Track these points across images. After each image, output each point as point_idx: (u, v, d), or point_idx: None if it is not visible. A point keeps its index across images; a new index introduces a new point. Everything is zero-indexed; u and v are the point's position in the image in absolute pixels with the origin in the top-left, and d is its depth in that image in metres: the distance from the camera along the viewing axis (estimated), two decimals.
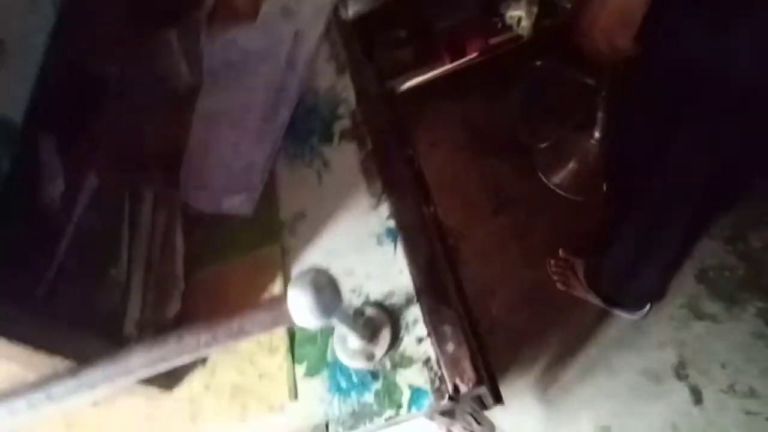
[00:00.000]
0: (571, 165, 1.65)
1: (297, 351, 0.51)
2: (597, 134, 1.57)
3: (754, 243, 1.39)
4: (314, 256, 0.57)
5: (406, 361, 0.47)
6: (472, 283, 1.49)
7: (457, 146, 1.78)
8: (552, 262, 1.42)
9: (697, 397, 1.24)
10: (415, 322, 0.49)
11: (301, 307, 0.36)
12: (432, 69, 1.59)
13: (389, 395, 0.46)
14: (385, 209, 0.57)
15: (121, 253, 0.56)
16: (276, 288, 0.56)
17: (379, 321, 0.49)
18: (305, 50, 0.72)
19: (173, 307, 0.56)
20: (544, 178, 1.65)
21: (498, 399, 0.47)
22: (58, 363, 0.42)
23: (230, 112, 0.69)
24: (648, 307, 1.33)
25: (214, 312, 0.56)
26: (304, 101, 0.71)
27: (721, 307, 1.34)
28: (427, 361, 0.46)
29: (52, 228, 0.53)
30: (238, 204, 0.63)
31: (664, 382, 1.28)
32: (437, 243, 0.53)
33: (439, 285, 0.50)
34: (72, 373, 0.38)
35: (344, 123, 0.67)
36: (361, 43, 0.80)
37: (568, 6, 1.12)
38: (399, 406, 0.45)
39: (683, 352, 1.31)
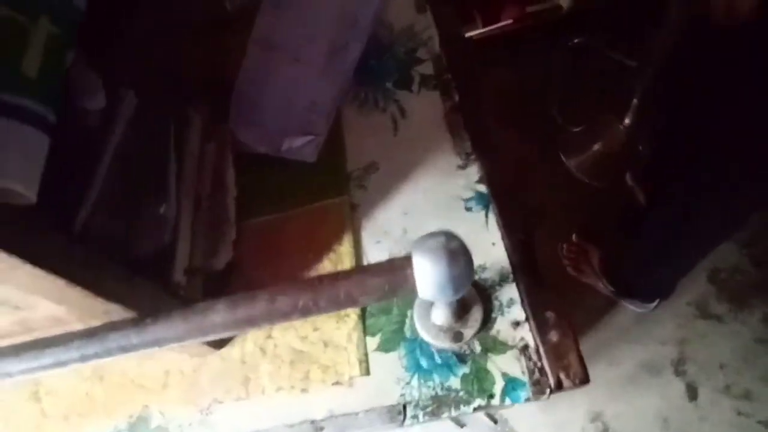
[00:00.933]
0: (596, 149, 1.59)
1: (369, 321, 0.46)
2: (627, 120, 1.51)
3: None
4: (389, 215, 0.51)
5: (499, 346, 0.42)
6: None
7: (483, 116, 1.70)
8: (564, 246, 1.39)
9: (692, 393, 1.26)
10: (511, 303, 0.43)
11: (430, 278, 0.29)
12: (462, 32, 1.49)
13: (479, 382, 0.41)
14: (474, 171, 0.50)
15: (168, 185, 0.48)
16: (344, 247, 0.49)
17: (469, 297, 0.44)
18: None
19: (224, 257, 0.49)
20: (564, 159, 1.59)
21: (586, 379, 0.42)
22: (112, 310, 0.35)
23: (292, 41, 0.60)
24: (657, 302, 1.33)
25: (269, 267, 0.50)
26: (378, 38, 0.62)
27: (728, 309, 1.34)
28: (524, 349, 0.41)
29: (90, 150, 0.45)
30: (299, 148, 0.55)
31: (661, 375, 1.29)
32: (533, 215, 0.46)
33: (537, 264, 0.44)
34: (136, 326, 0.32)
35: (425, 68, 0.59)
36: None
37: None
38: (491, 396, 0.40)
39: (684, 349, 1.32)
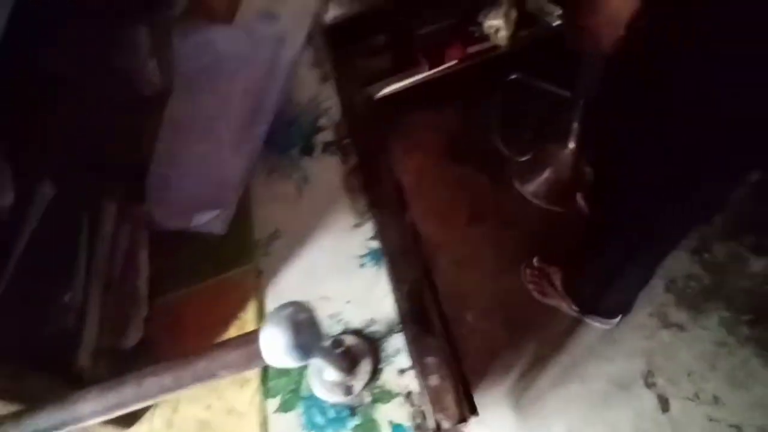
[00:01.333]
0: (547, 175, 1.66)
1: (269, 384, 0.48)
2: (571, 145, 1.59)
3: (719, 254, 1.44)
4: (291, 278, 0.54)
5: (386, 395, 0.44)
6: (448, 290, 1.49)
7: (433, 154, 1.78)
8: (527, 271, 1.43)
9: (664, 404, 1.27)
10: (397, 352, 0.46)
11: (276, 347, 0.33)
12: (410, 76, 1.58)
13: None
14: (369, 229, 0.54)
15: (77, 272, 0.51)
16: (249, 314, 0.52)
17: (359, 351, 0.47)
18: (287, 56, 0.68)
19: (134, 335, 0.52)
20: (519, 188, 1.66)
21: (473, 411, 0.45)
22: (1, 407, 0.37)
23: (203, 120, 0.65)
24: (620, 317, 1.36)
25: (180, 341, 0.52)
26: (284, 111, 0.68)
27: (687, 316, 1.38)
28: (408, 395, 0.44)
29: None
30: (209, 222, 0.59)
31: (632, 390, 1.31)
32: (421, 266, 0.50)
33: (424, 313, 0.47)
34: (15, 419, 0.34)
35: (327, 135, 0.64)
36: (340, 49, 0.77)
37: (550, 19, 1.12)
38: None
39: (652, 360, 1.34)
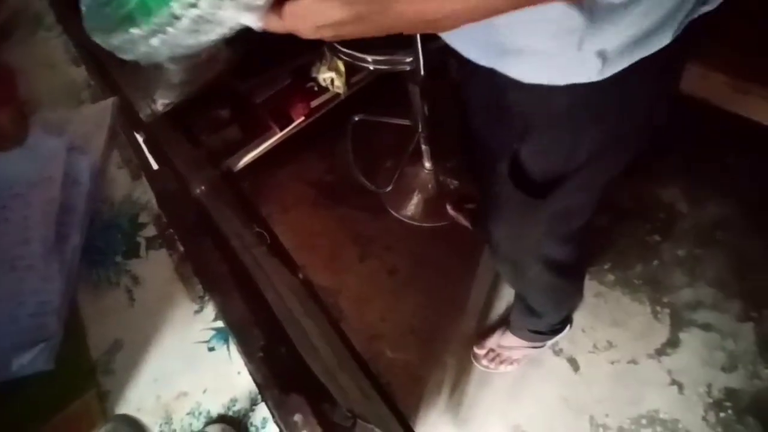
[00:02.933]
0: (416, 196, 1.79)
1: None
2: (427, 164, 1.74)
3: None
4: (140, 389, 0.50)
5: None
6: (359, 332, 1.49)
7: (308, 205, 1.81)
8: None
9: (573, 365, 1.39)
10: (264, 422, 0.45)
11: None
12: (264, 141, 1.63)
13: None
14: (210, 311, 0.53)
15: None
16: None
17: None
18: (87, 163, 0.66)
19: None
20: (396, 214, 1.75)
21: None
22: None
23: (5, 252, 0.59)
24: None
25: None
26: (100, 216, 0.64)
27: None
28: None
29: None
30: (31, 361, 0.52)
31: (545, 362, 1.41)
32: (267, 331, 0.50)
33: (283, 370, 0.47)
34: None
35: (149, 230, 0.62)
36: (182, 131, 0.76)
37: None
38: None
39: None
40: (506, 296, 1.50)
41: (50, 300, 0.56)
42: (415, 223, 1.76)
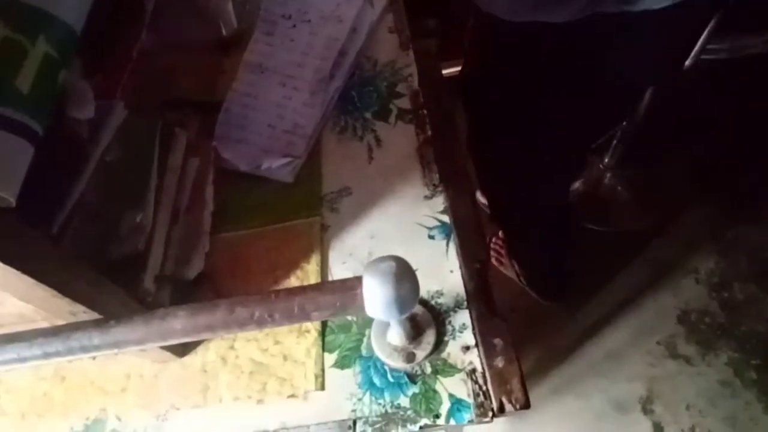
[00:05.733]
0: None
1: (328, 337, 0.48)
2: (607, 160, 1.58)
3: (738, 294, 1.43)
4: (357, 237, 0.53)
5: (448, 369, 0.44)
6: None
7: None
8: (492, 239, 1.44)
9: None
10: (463, 328, 0.46)
11: (378, 298, 0.32)
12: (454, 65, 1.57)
13: (427, 402, 0.43)
14: (439, 202, 0.53)
15: (147, 196, 0.50)
16: (312, 265, 0.52)
17: (424, 321, 0.46)
18: (371, 16, 0.67)
19: (195, 267, 0.51)
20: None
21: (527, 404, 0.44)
22: (79, 311, 0.36)
23: (281, 67, 0.63)
24: (554, 299, 1.38)
25: (239, 280, 0.52)
26: (362, 70, 0.66)
27: (696, 351, 1.38)
28: (472, 373, 0.43)
29: (75, 157, 0.47)
30: (278, 168, 0.58)
31: (629, 413, 1.31)
32: (487, 247, 0.49)
33: (490, 294, 0.47)
34: (99, 327, 0.33)
35: (403, 102, 0.62)
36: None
37: None
38: (437, 416, 0.42)
39: (653, 387, 1.35)
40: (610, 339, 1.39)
41: (305, 125, 0.60)
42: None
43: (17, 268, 0.34)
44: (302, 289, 0.33)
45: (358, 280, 0.33)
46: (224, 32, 0.72)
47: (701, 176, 1.57)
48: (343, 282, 0.33)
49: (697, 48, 1.00)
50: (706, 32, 0.95)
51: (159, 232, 0.50)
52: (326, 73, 0.62)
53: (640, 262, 1.51)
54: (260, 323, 0.33)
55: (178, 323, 0.32)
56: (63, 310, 0.37)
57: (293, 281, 0.51)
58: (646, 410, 1.31)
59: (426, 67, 0.65)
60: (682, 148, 1.57)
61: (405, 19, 0.70)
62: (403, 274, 0.32)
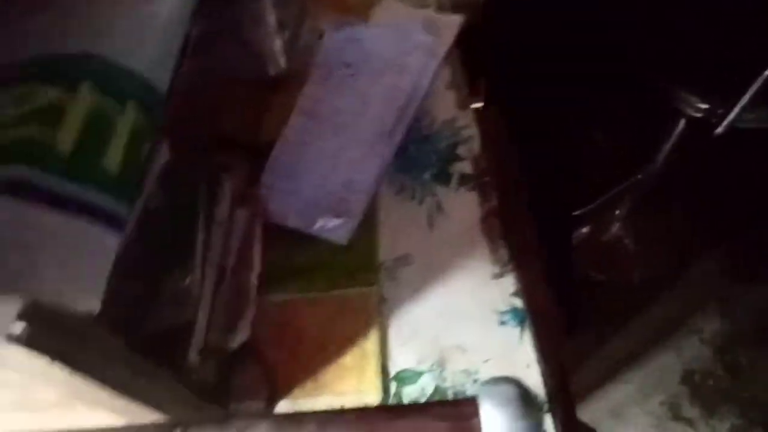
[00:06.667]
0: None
1: None
2: (618, 212, 1.58)
3: (742, 358, 1.43)
4: (420, 314, 0.49)
5: None
6: None
7: None
8: None
9: None
10: None
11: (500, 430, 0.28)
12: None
13: None
14: (510, 283, 0.50)
15: (194, 253, 0.45)
16: (370, 344, 0.47)
17: None
18: (432, 68, 0.64)
19: (241, 335, 0.46)
20: None
21: None
22: (151, 413, 0.31)
23: (339, 114, 0.60)
24: None
25: (288, 352, 0.47)
26: (420, 127, 0.63)
27: (699, 413, 1.36)
28: None
29: None
30: (332, 228, 0.53)
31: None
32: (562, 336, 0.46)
33: (570, 395, 0.43)
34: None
35: (464, 166, 0.59)
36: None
37: None
38: None
39: None
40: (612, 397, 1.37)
41: (363, 180, 0.56)
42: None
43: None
44: (404, 412, 0.29)
45: (474, 405, 0.28)
46: (271, 72, 0.68)
47: (709, 233, 1.59)
48: (455, 406, 0.29)
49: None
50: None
51: (205, 297, 0.45)
52: (388, 125, 0.59)
53: (643, 317, 1.50)
54: None
55: None
56: (100, 398, 0.31)
57: (348, 361, 0.46)
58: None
59: (489, 129, 0.62)
60: (693, 203, 1.59)
61: (462, 74, 0.68)
62: (529, 403, 0.28)
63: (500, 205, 0.55)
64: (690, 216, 1.58)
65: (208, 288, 0.46)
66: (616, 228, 1.60)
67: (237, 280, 0.49)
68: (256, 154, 0.60)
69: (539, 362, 0.45)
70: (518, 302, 0.48)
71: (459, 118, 0.64)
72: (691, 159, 1.32)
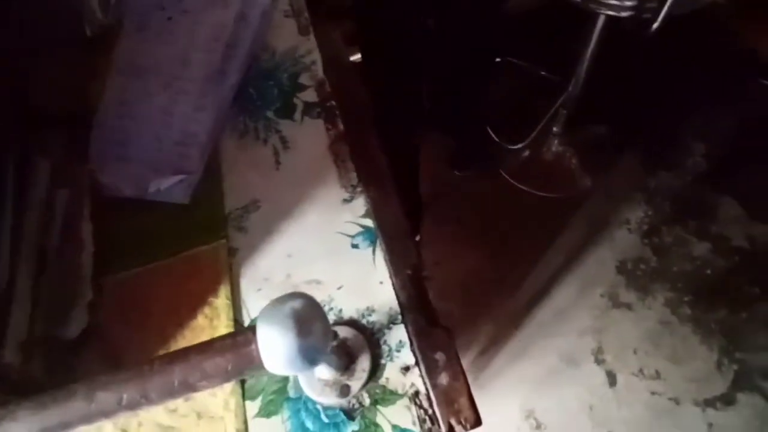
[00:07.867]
0: (529, 158, 1.66)
1: (248, 383, 0.41)
2: (556, 129, 1.60)
3: (666, 238, 1.52)
4: (271, 258, 0.47)
5: (388, 396, 0.39)
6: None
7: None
8: None
9: (611, 380, 1.34)
10: (401, 346, 0.41)
11: (278, 352, 0.26)
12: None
13: None
14: (360, 204, 0.48)
15: (1, 244, 0.40)
16: (221, 299, 0.45)
17: (356, 345, 0.41)
18: (260, 0, 0.58)
19: (78, 323, 0.42)
20: (503, 172, 1.65)
21: (478, 422, 0.41)
22: None
23: (162, 66, 0.54)
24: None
25: (136, 329, 0.44)
26: (258, 64, 0.58)
27: (636, 297, 1.45)
28: (415, 396, 0.39)
29: None
30: (169, 189, 0.49)
31: (582, 366, 1.36)
32: (418, 251, 0.45)
33: (428, 301, 0.42)
34: None
35: (309, 95, 0.55)
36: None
37: None
38: None
39: (601, 338, 1.41)
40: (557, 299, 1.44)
41: (197, 132, 0.52)
42: (518, 185, 1.64)
43: None
44: (183, 355, 0.26)
45: (251, 333, 0.26)
46: (88, 32, 0.60)
47: (628, 132, 1.63)
48: (233, 337, 0.26)
49: None
50: None
51: (21, 289, 0.40)
52: (216, 68, 0.54)
53: (578, 221, 1.55)
54: (133, 407, 0.26)
55: (20, 428, 0.25)
56: None
57: (200, 321, 0.44)
58: (599, 361, 1.36)
59: (331, 53, 0.58)
60: (617, 108, 1.62)
61: (302, 1, 0.62)
62: (309, 317, 0.26)
63: (347, 129, 0.52)
64: (610, 118, 1.62)
65: (23, 277, 0.41)
66: (555, 145, 1.62)
67: (64, 264, 0.44)
68: (82, 126, 0.53)
69: (391, 276, 0.44)
70: (369, 222, 0.46)
71: (300, 45, 0.59)
72: (611, 62, 1.33)
